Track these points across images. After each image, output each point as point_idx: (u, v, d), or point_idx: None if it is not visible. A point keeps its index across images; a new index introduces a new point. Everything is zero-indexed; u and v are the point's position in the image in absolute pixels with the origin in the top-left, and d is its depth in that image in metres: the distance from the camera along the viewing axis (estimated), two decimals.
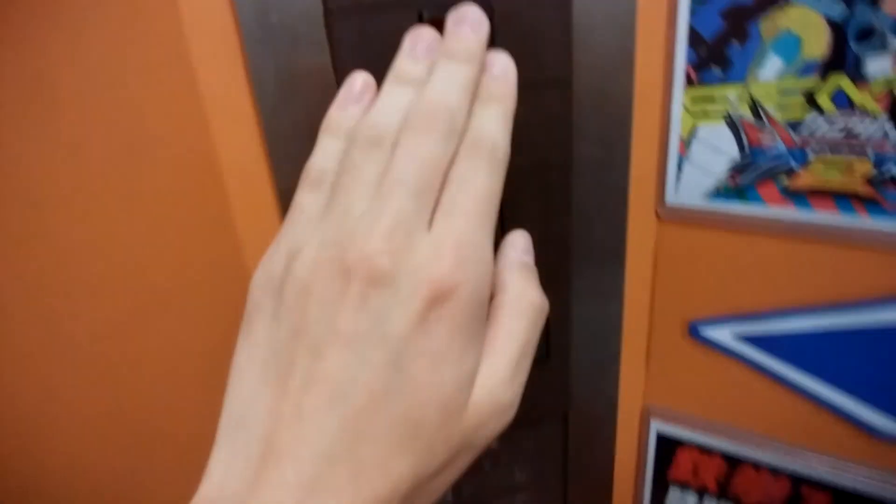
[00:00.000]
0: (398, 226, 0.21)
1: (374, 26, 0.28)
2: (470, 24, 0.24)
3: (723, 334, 0.39)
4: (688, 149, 0.35)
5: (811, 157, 0.32)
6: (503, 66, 0.25)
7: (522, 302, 0.23)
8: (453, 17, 0.25)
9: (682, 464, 0.45)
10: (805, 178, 0.33)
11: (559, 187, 0.34)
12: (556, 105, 0.33)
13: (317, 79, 0.29)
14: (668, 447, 0.45)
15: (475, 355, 0.22)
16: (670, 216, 0.37)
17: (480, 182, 0.22)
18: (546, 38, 0.31)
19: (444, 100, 0.23)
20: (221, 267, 0.34)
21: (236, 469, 0.20)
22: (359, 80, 0.26)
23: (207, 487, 0.20)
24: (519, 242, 0.25)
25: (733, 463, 0.42)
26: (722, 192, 0.35)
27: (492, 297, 0.23)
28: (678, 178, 0.36)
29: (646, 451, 0.46)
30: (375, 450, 0.19)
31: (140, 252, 0.33)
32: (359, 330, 0.20)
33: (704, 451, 0.43)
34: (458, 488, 0.44)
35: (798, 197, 0.33)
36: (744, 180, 0.34)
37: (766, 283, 0.36)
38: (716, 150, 0.34)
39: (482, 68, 0.25)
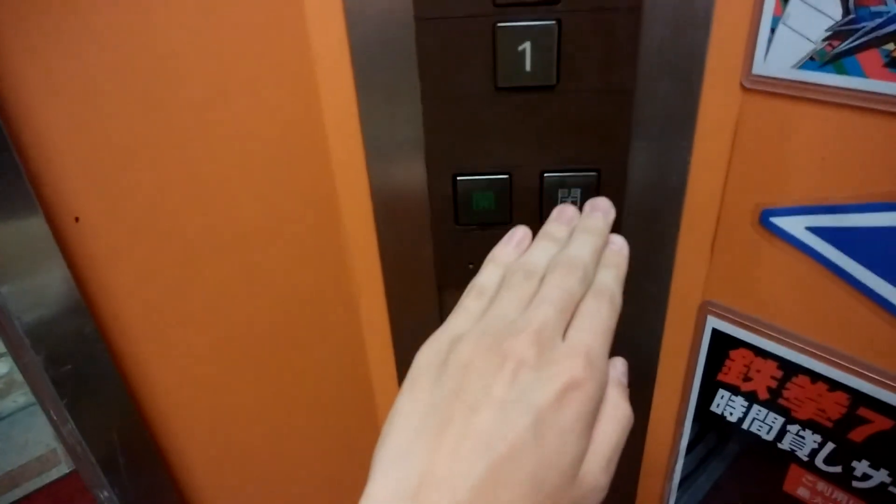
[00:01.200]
0: (544, 328, 0.28)
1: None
2: (602, 211, 0.35)
3: (795, 225, 0.36)
4: (784, 7, 0.32)
5: None
6: (620, 243, 0.34)
7: (618, 412, 0.29)
8: (590, 204, 0.35)
9: (735, 366, 0.43)
10: None
11: (625, 38, 0.33)
12: None
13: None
14: (722, 346, 0.43)
15: (587, 442, 0.27)
16: (757, 86, 0.34)
17: (604, 315, 0.30)
18: None
19: (581, 255, 0.31)
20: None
21: (400, 494, 0.25)
22: (520, 231, 0.36)
23: (374, 500, 0.25)
24: (619, 366, 0.31)
25: (788, 371, 0.40)
26: (817, 62, 0.32)
27: None
28: (769, 43, 0.33)
29: (699, 348, 0.44)
30: (509, 493, 0.24)
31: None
32: (510, 397, 0.26)
33: (759, 354, 0.41)
34: None
35: None
36: (843, 47, 0.31)
37: (851, 169, 0.33)
38: (816, 10, 0.31)
39: (606, 242, 0.34)
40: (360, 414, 0.50)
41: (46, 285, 0.31)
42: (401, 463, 0.26)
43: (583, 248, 0.32)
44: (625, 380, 0.31)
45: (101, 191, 0.33)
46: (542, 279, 0.31)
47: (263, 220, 0.39)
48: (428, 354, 0.30)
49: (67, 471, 1.82)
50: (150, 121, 0.33)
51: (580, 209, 0.36)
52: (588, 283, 0.31)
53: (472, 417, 0.26)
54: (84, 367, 0.33)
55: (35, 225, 0.30)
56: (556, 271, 0.31)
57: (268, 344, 0.42)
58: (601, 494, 0.27)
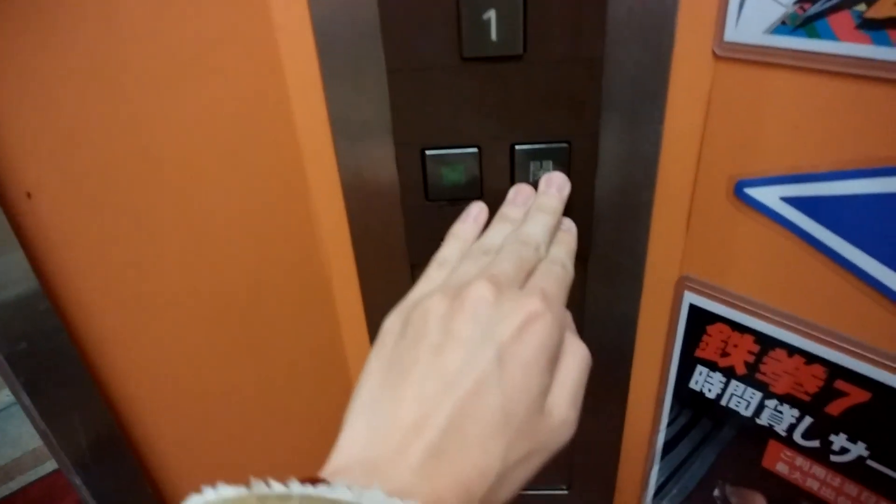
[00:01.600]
0: (500, 275, 0.29)
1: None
2: (557, 186, 0.36)
3: (769, 196, 0.35)
4: None
5: None
6: (568, 224, 0.37)
7: (577, 352, 0.30)
8: (545, 180, 0.37)
9: (712, 342, 0.42)
10: (887, 7, 0.28)
11: (592, 4, 0.32)
12: None
13: None
14: (699, 322, 0.42)
15: (550, 377, 0.28)
16: (729, 54, 0.34)
17: (558, 274, 0.31)
18: None
19: (534, 233, 0.33)
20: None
21: (368, 441, 0.24)
22: (475, 206, 0.38)
23: (341, 456, 0.25)
24: (568, 318, 0.32)
25: (765, 345, 0.39)
26: (789, 26, 0.31)
27: None
28: (741, 8, 0.32)
29: (676, 325, 0.44)
30: (478, 429, 0.24)
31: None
32: (471, 334, 0.26)
33: (737, 328, 0.41)
34: None
35: (877, 31, 0.29)
36: (814, 10, 0.30)
37: (825, 136, 0.32)
38: None
39: (559, 219, 0.36)
40: (334, 394, 0.49)
41: None
42: (368, 413, 0.26)
43: (536, 226, 0.34)
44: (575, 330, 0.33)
45: (55, 166, 0.32)
46: (499, 251, 0.32)
47: (229, 198, 0.38)
48: (392, 318, 0.31)
49: None
50: (105, 94, 0.32)
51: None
52: (541, 257, 0.32)
53: (435, 358, 0.26)
54: (40, 345, 0.33)
55: None
56: (510, 243, 0.32)
57: (237, 323, 0.42)
58: (570, 429, 0.28)
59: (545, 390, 0.27)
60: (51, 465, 1.81)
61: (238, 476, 0.21)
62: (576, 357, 0.29)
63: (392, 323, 0.30)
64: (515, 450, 0.25)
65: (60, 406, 0.35)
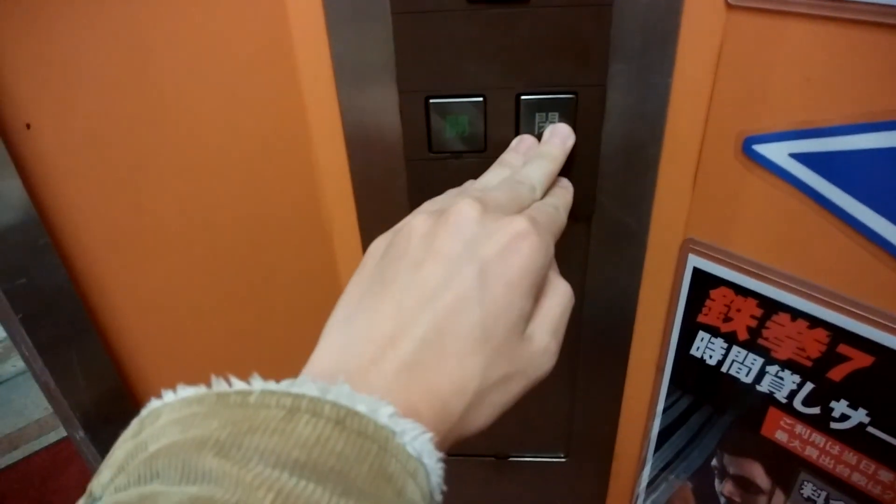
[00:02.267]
0: (490, 200, 0.28)
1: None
2: (561, 137, 0.36)
3: (777, 152, 0.35)
4: None
5: None
6: (566, 182, 0.36)
7: (560, 289, 0.29)
8: (550, 130, 0.37)
9: (715, 306, 0.42)
10: None
11: None
12: None
13: None
14: (702, 286, 0.42)
15: (533, 303, 0.27)
16: (741, 2, 0.33)
17: (550, 214, 0.30)
18: None
19: (532, 175, 0.33)
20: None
21: (342, 354, 0.24)
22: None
23: (312, 368, 0.24)
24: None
25: (769, 309, 0.39)
26: None
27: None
28: None
29: (679, 289, 0.43)
30: (456, 344, 0.24)
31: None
32: (453, 250, 0.25)
33: (740, 292, 0.40)
34: None
35: None
36: None
37: (836, 88, 0.31)
38: None
39: (559, 167, 0.35)
40: None
41: None
42: (343, 328, 0.25)
43: (535, 170, 0.33)
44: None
45: (55, 98, 0.32)
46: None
47: (230, 139, 0.38)
48: (377, 242, 0.30)
49: (66, 434, 1.84)
50: (107, 27, 0.32)
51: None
52: (535, 198, 0.32)
53: (415, 273, 0.25)
54: (39, 280, 0.32)
55: None
56: (507, 181, 0.32)
57: (237, 269, 0.41)
58: (551, 359, 0.27)
59: (527, 316, 0.26)
60: (55, 435, 1.83)
61: None
62: (558, 292, 0.28)
63: (376, 247, 0.29)
64: (494, 369, 0.24)
65: (60, 349, 0.35)
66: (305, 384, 0.20)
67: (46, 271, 0.33)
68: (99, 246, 0.35)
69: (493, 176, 0.34)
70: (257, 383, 0.20)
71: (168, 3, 0.33)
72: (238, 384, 0.20)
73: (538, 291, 0.27)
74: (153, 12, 0.33)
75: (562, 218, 0.32)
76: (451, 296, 0.24)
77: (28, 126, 0.31)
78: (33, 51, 0.30)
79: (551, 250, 0.29)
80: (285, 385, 0.20)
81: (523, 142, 0.37)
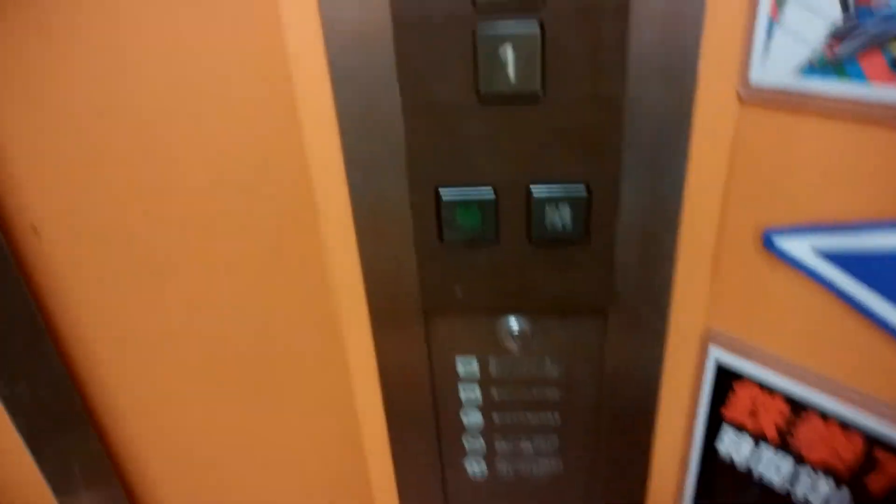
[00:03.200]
0: None
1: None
2: None
3: (801, 248, 0.33)
4: (781, 9, 0.30)
5: None
6: None
7: None
8: None
9: (740, 402, 0.40)
10: None
11: (612, 42, 0.32)
12: None
13: None
14: (726, 380, 0.40)
15: None
16: (754, 98, 0.32)
17: None
18: None
19: None
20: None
21: None
22: None
23: None
24: None
25: (798, 409, 0.37)
26: (816, 67, 0.30)
27: None
28: (766, 48, 0.31)
29: (701, 381, 0.41)
30: None
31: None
32: None
33: (766, 389, 0.38)
34: (486, 369, 0.43)
35: None
36: (844, 50, 0.29)
37: (860, 185, 0.30)
38: (813, 10, 0.29)
39: None
40: (344, 445, 0.47)
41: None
42: None
43: None
44: None
45: (60, 199, 0.32)
46: None
47: (237, 239, 0.38)
48: None
49: None
50: (108, 128, 0.32)
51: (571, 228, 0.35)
52: None
53: None
54: (37, 374, 0.32)
55: None
56: None
57: (245, 370, 0.41)
58: None
59: None
60: None
61: None
62: None
63: None
64: None
65: (62, 454, 0.34)
66: None
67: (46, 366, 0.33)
68: (100, 341, 0.35)
69: None
70: None
71: (178, 102, 0.34)
72: None
73: None
74: (160, 104, 0.34)
75: None
76: None
77: (34, 228, 0.31)
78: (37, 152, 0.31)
79: None
80: None
81: None
